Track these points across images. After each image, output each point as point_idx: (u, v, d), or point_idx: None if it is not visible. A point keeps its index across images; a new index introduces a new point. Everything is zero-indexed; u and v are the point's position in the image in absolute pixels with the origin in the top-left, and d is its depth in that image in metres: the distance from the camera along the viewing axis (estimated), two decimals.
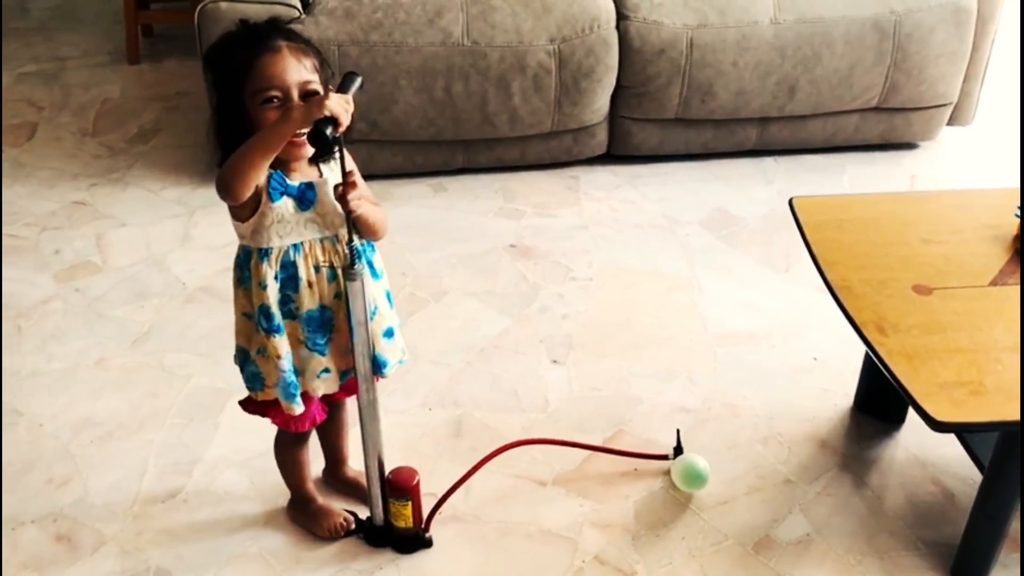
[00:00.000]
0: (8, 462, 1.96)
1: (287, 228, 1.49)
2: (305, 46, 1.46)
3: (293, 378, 1.58)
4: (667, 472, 1.94)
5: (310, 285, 1.53)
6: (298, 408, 1.60)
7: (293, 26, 2.58)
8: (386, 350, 1.63)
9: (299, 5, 2.70)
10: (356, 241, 1.52)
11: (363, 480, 1.79)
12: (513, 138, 2.90)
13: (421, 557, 1.77)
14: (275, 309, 1.52)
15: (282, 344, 1.55)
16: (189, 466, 1.95)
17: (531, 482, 1.94)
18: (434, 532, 1.80)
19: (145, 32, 3.88)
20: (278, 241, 1.49)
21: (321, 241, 1.52)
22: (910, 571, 1.77)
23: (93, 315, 2.38)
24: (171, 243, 2.65)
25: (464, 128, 2.83)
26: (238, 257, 1.56)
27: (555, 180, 2.98)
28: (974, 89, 3.11)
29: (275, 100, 1.42)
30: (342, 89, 1.44)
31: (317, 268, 1.53)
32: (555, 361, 2.25)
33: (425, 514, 1.79)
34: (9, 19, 4.03)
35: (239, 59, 1.42)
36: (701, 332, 2.35)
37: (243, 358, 1.62)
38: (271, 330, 1.53)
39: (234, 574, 1.74)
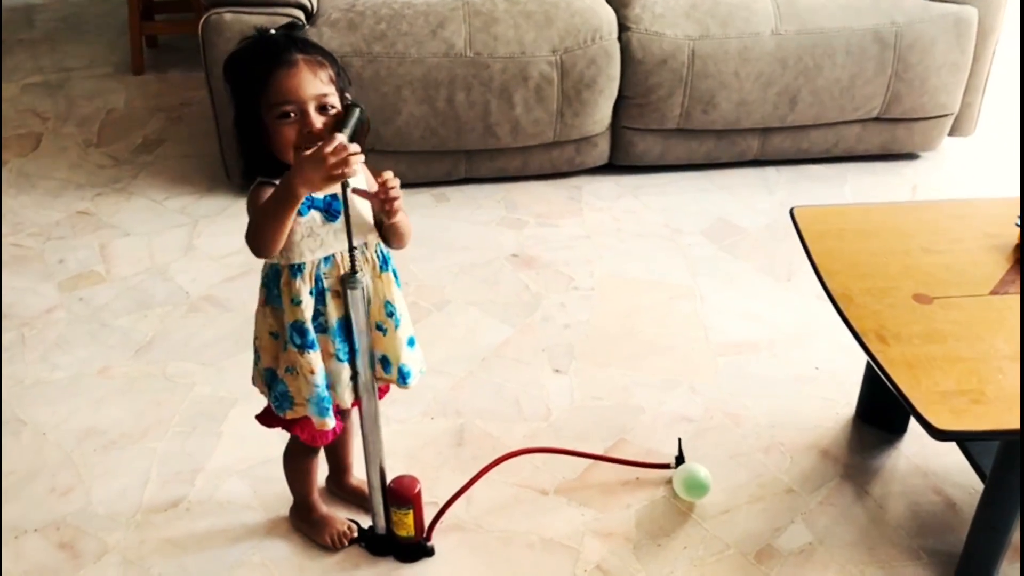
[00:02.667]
0: (11, 471, 1.96)
1: (317, 242, 1.49)
2: (321, 57, 1.46)
3: (326, 393, 1.57)
4: (669, 481, 1.95)
5: (336, 295, 1.53)
6: (331, 422, 1.59)
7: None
8: (409, 360, 1.63)
9: (302, 16, 2.72)
10: (382, 248, 1.55)
11: (367, 488, 1.79)
12: (515, 148, 2.91)
13: (423, 566, 1.77)
14: (309, 325, 1.52)
15: (316, 360, 1.54)
16: (192, 475, 1.96)
17: (533, 491, 1.94)
18: (436, 541, 1.80)
19: (149, 43, 3.91)
20: (310, 256, 1.49)
21: (350, 251, 1.52)
22: None
23: (97, 324, 2.39)
24: (175, 253, 2.66)
25: (466, 138, 2.85)
26: (266, 276, 1.55)
27: (557, 190, 2.99)
28: (975, 100, 3.12)
29: (291, 115, 1.42)
30: (341, 126, 1.42)
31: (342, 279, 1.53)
32: (557, 370, 2.26)
33: (427, 523, 1.79)
34: (15, 30, 4.05)
35: (255, 73, 1.42)
36: (703, 341, 2.36)
37: (271, 378, 1.60)
38: (305, 346, 1.52)
39: None
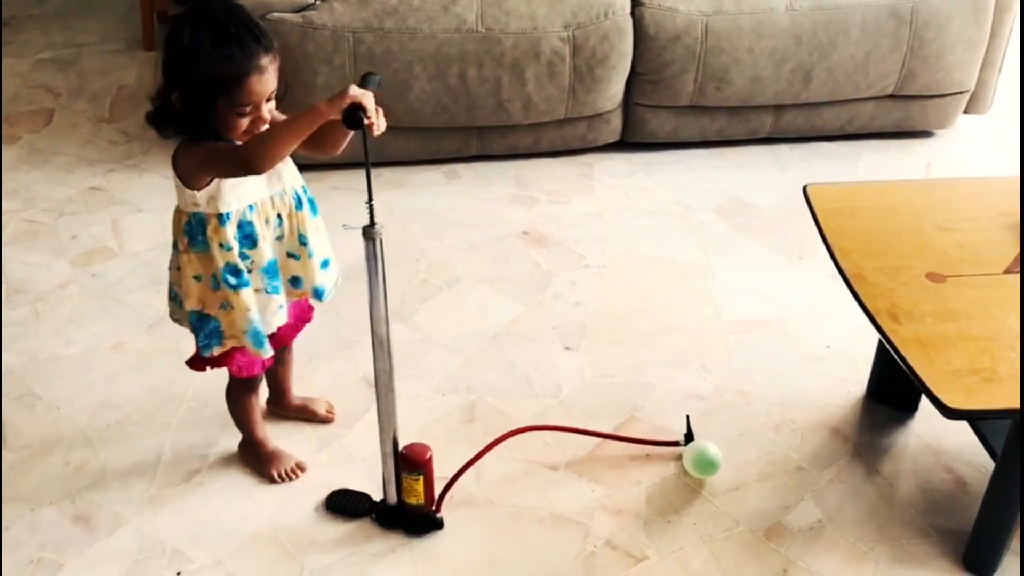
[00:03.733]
0: (26, 444, 1.98)
1: (243, 189, 1.59)
2: (274, 48, 1.53)
3: (261, 326, 1.68)
4: (679, 458, 1.95)
5: (264, 238, 1.64)
6: (267, 353, 1.71)
7: (306, 13, 2.62)
8: (323, 279, 1.76)
9: None
10: (296, 183, 1.66)
11: (309, 403, 2.02)
12: (527, 125, 2.90)
13: (434, 540, 1.79)
14: (242, 266, 1.62)
15: (250, 296, 1.65)
16: (205, 449, 1.97)
17: (543, 467, 1.95)
18: (446, 516, 1.81)
19: (160, 19, 3.89)
20: (236, 203, 1.59)
21: (271, 198, 1.64)
22: (921, 559, 1.77)
23: (110, 300, 2.40)
24: None
25: (478, 115, 2.84)
26: (188, 225, 1.62)
27: (569, 167, 2.98)
28: (991, 77, 3.09)
29: (249, 110, 1.53)
30: (362, 86, 1.51)
31: (266, 221, 1.64)
32: (568, 348, 2.26)
33: (437, 495, 1.80)
34: (26, 6, 4.05)
35: (227, 75, 1.47)
36: (714, 320, 2.35)
37: (198, 319, 1.68)
38: (240, 285, 1.63)
39: (249, 556, 1.76)
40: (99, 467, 1.93)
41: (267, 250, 1.65)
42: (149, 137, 3.11)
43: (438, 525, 1.80)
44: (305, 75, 2.67)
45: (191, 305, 1.67)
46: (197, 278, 1.65)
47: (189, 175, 1.56)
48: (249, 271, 1.64)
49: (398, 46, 2.70)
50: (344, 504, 1.82)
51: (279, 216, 1.66)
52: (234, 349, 1.72)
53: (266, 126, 1.56)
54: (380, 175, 2.89)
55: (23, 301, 2.39)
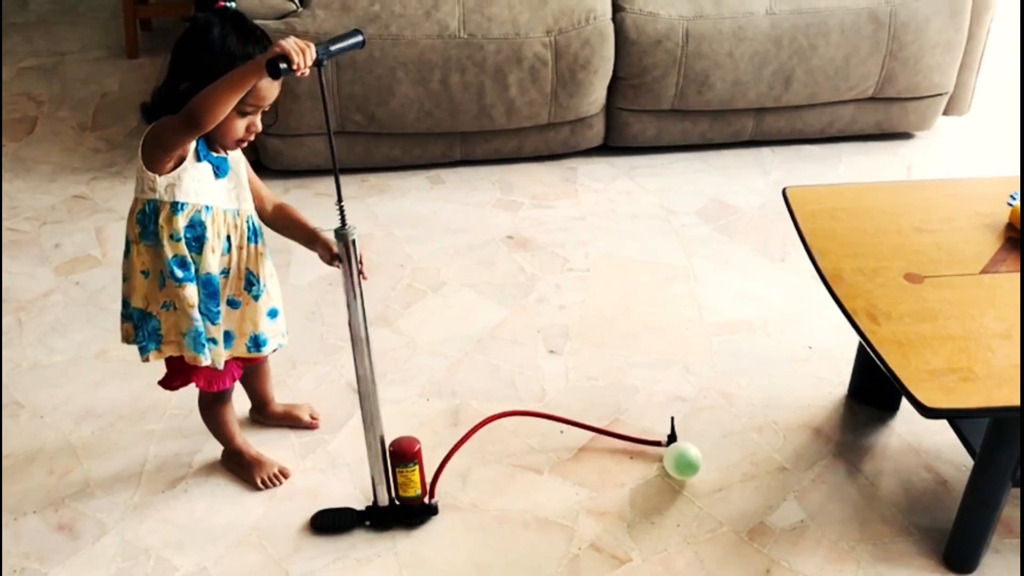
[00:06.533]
0: (10, 453, 1.98)
1: (204, 188, 1.60)
2: None
3: (203, 328, 1.65)
4: (662, 460, 1.96)
5: (212, 250, 1.62)
6: (204, 359, 1.67)
7: (288, 20, 2.62)
8: (268, 330, 1.73)
9: None
10: (254, 217, 1.68)
11: (292, 410, 2.02)
12: (510, 130, 2.91)
13: (419, 544, 1.79)
14: (191, 259, 1.61)
15: (194, 293, 1.63)
16: (189, 456, 1.97)
17: (528, 471, 1.95)
18: (431, 520, 1.82)
19: (143, 26, 3.89)
20: (194, 198, 1.59)
21: (225, 212, 1.63)
22: (903, 556, 1.78)
23: (93, 308, 2.40)
24: None
25: (461, 120, 2.84)
26: (141, 213, 1.61)
27: (552, 172, 2.99)
28: (970, 79, 3.11)
29: (249, 112, 1.58)
30: (337, 40, 1.56)
31: (217, 234, 1.63)
32: (552, 351, 2.27)
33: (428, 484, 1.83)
34: (9, 14, 4.04)
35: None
36: (697, 322, 2.37)
37: (140, 318, 1.67)
38: (186, 279, 1.61)
39: (234, 563, 1.76)
40: (83, 475, 1.93)
41: (211, 261, 1.62)
42: (132, 145, 3.10)
43: (434, 511, 1.82)
44: (287, 81, 2.66)
45: (136, 302, 1.66)
46: (145, 273, 1.64)
47: (152, 151, 1.56)
48: (192, 280, 1.63)
49: (381, 52, 2.70)
50: (330, 522, 1.82)
51: (228, 239, 1.64)
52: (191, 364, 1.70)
53: (251, 136, 1.61)
54: (364, 180, 2.89)
55: (6, 310, 2.38)
